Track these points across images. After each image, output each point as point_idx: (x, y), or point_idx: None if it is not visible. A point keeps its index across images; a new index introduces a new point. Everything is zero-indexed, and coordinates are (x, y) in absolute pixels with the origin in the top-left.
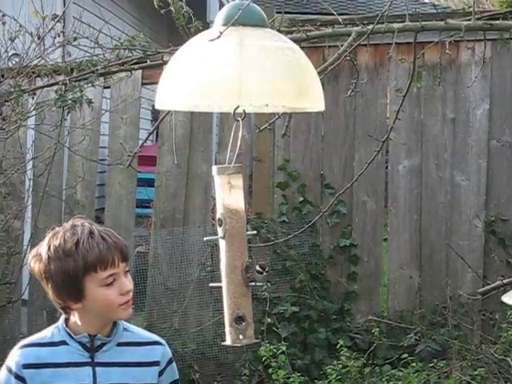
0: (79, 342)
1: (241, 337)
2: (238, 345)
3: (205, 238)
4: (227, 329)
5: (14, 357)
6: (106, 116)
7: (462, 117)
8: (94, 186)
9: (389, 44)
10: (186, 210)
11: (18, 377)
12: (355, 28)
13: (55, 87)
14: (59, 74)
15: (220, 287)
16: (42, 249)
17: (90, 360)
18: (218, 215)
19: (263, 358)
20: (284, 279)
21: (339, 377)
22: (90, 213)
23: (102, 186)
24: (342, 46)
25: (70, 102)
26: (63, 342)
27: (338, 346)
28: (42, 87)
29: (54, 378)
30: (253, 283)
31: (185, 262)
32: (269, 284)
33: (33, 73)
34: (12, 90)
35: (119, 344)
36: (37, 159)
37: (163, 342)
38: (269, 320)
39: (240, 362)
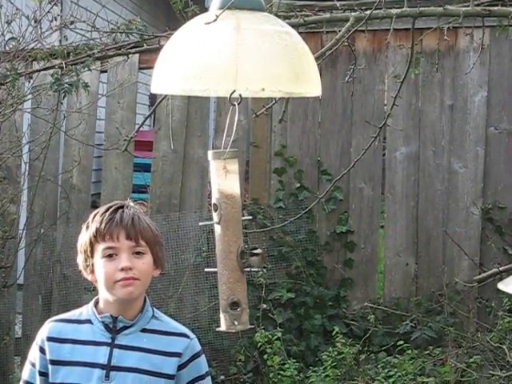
0: (102, 322)
1: (236, 322)
2: (233, 331)
3: (200, 223)
4: (222, 314)
5: (42, 331)
6: (102, 100)
7: (459, 103)
8: (90, 171)
9: (387, 30)
10: (182, 195)
11: (41, 349)
12: (353, 13)
13: (51, 71)
14: (56, 58)
15: (215, 272)
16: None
17: (110, 341)
18: (214, 200)
19: (258, 344)
20: (280, 265)
21: (334, 363)
22: (86, 197)
23: (98, 170)
24: (339, 31)
25: (66, 85)
26: (88, 321)
27: (334, 332)
28: (39, 71)
29: (71, 353)
30: (248, 268)
31: (181, 247)
32: (264, 270)
33: (29, 56)
34: (8, 73)
35: (144, 330)
36: (33, 143)
37: (192, 335)
38: (264, 306)
39: (235, 348)
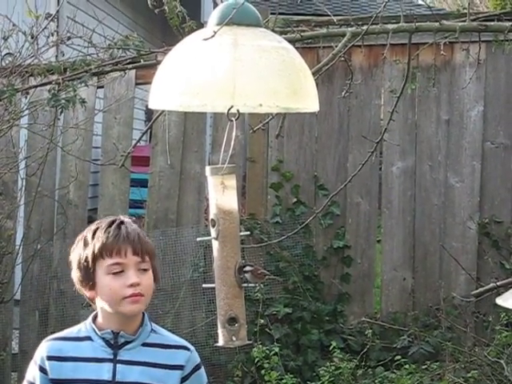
0: (103, 339)
1: (233, 338)
2: (231, 346)
3: (198, 239)
4: (220, 330)
5: (40, 350)
6: (99, 116)
7: (456, 118)
8: (87, 186)
9: (383, 45)
10: (179, 210)
11: (41, 369)
12: (350, 29)
13: (48, 86)
14: (52, 74)
15: (213, 288)
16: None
17: (112, 357)
18: (211, 216)
19: (256, 360)
20: (277, 280)
21: (332, 378)
22: (83, 213)
23: (95, 186)
24: (336, 46)
25: (63, 101)
26: (88, 338)
27: (331, 347)
28: (36, 86)
29: (74, 371)
30: (246, 284)
31: (178, 262)
32: (262, 285)
33: (26, 72)
34: (5, 89)
35: (145, 344)
36: (29, 159)
37: (191, 347)
38: (261, 321)
39: (232, 364)
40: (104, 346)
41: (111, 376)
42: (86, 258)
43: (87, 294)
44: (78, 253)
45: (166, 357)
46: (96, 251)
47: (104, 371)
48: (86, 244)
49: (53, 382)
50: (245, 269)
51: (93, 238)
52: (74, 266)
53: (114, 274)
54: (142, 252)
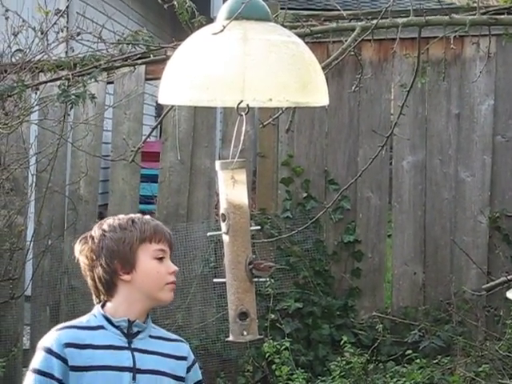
0: (117, 327)
1: (244, 333)
2: (242, 341)
3: (208, 234)
4: (231, 324)
5: (53, 337)
6: (109, 111)
7: (466, 112)
8: (98, 182)
9: (393, 39)
10: (189, 205)
11: (59, 357)
12: (359, 23)
13: (58, 82)
14: (62, 69)
15: (224, 283)
16: (94, 231)
17: (127, 345)
18: (222, 210)
19: (267, 354)
20: (288, 275)
21: (343, 373)
22: (94, 208)
23: (105, 181)
24: (346, 41)
25: (73, 97)
26: (101, 327)
27: (342, 342)
28: (45, 82)
29: (93, 359)
30: (256, 279)
31: (188, 257)
32: (272, 280)
33: (36, 68)
34: (15, 85)
35: (151, 336)
36: (40, 154)
37: (186, 342)
38: (272, 316)
39: (243, 359)
40: (119, 335)
41: (132, 363)
42: (130, 240)
43: (123, 277)
44: (118, 235)
45: (172, 348)
46: (143, 235)
47: (124, 358)
48: (124, 228)
49: (73, 370)
50: (249, 264)
51: (133, 224)
52: (114, 247)
53: (159, 259)
54: (171, 243)
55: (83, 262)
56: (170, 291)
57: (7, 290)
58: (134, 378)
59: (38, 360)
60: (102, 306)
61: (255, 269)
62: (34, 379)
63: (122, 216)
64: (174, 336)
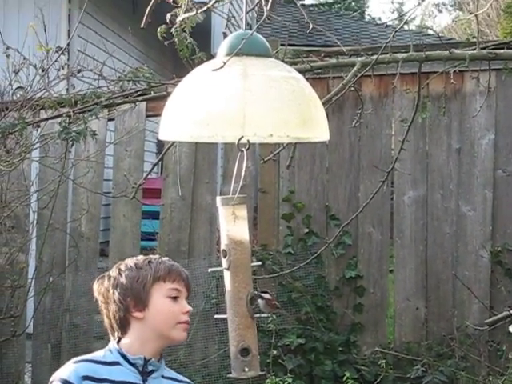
0: (133, 365)
1: (246, 369)
2: (244, 377)
3: (209, 269)
4: (232, 361)
5: (70, 369)
6: (110, 148)
7: (467, 147)
8: (99, 219)
9: (393, 74)
10: (190, 241)
11: None
12: (359, 58)
13: (59, 119)
14: (63, 106)
15: (225, 319)
16: (111, 271)
17: (142, 383)
18: (223, 246)
19: None
20: (290, 311)
21: None
22: (95, 245)
23: (106, 218)
24: (346, 76)
25: (74, 134)
26: (116, 363)
27: (345, 378)
28: (46, 119)
29: None
30: (258, 314)
31: (190, 294)
32: (274, 316)
33: (37, 105)
34: (16, 122)
35: (163, 376)
36: (41, 192)
37: None
38: (274, 352)
39: None
40: (134, 372)
41: None
42: (144, 278)
43: (135, 314)
44: (129, 275)
45: None
46: (157, 274)
47: None
48: (140, 267)
49: None
50: (262, 295)
51: (149, 264)
52: (120, 285)
53: (173, 298)
54: (189, 288)
55: (100, 300)
56: (184, 331)
57: (9, 328)
58: None
59: None
60: (118, 342)
61: (267, 303)
62: None
63: (141, 256)
64: (184, 378)
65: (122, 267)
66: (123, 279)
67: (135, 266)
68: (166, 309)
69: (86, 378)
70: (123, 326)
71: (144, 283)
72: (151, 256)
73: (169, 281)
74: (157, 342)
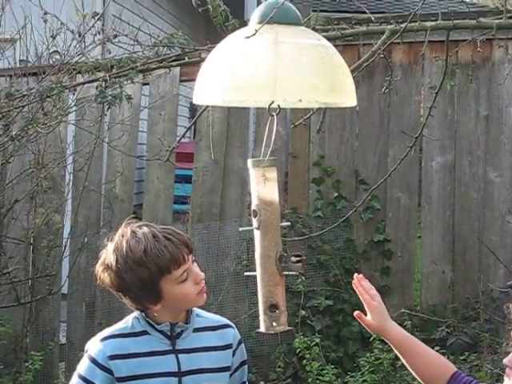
0: (160, 331)
1: (274, 324)
2: (272, 332)
3: (240, 229)
4: (261, 316)
5: (98, 348)
6: (144, 112)
7: (495, 114)
8: (133, 181)
9: (422, 42)
10: (222, 204)
11: (104, 368)
12: (389, 26)
13: (95, 83)
14: (99, 71)
15: (255, 276)
16: (110, 259)
17: (171, 348)
18: (253, 206)
19: (297, 350)
20: (318, 273)
21: (372, 369)
22: (129, 207)
23: (140, 182)
24: (376, 43)
25: (110, 97)
26: (144, 332)
27: (371, 338)
28: (83, 83)
29: (139, 367)
30: (286, 272)
31: (221, 255)
32: (303, 277)
33: (73, 69)
34: (54, 86)
35: (195, 330)
36: (77, 154)
37: (232, 324)
38: (303, 313)
39: (275, 355)
40: (162, 339)
41: (177, 367)
42: (150, 277)
43: (149, 308)
44: (133, 276)
45: (216, 338)
46: (162, 267)
47: (169, 363)
48: (141, 263)
49: (119, 380)
50: (298, 258)
51: (146, 256)
52: (128, 289)
53: (184, 280)
54: (191, 246)
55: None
56: (202, 296)
57: (45, 286)
58: (180, 382)
59: (83, 367)
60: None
61: (298, 262)
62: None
63: (130, 241)
64: (218, 321)
65: (121, 263)
66: (128, 282)
67: (133, 263)
68: (181, 294)
69: (112, 357)
70: (144, 309)
71: (152, 282)
72: (138, 234)
73: (174, 269)
74: (180, 311)
